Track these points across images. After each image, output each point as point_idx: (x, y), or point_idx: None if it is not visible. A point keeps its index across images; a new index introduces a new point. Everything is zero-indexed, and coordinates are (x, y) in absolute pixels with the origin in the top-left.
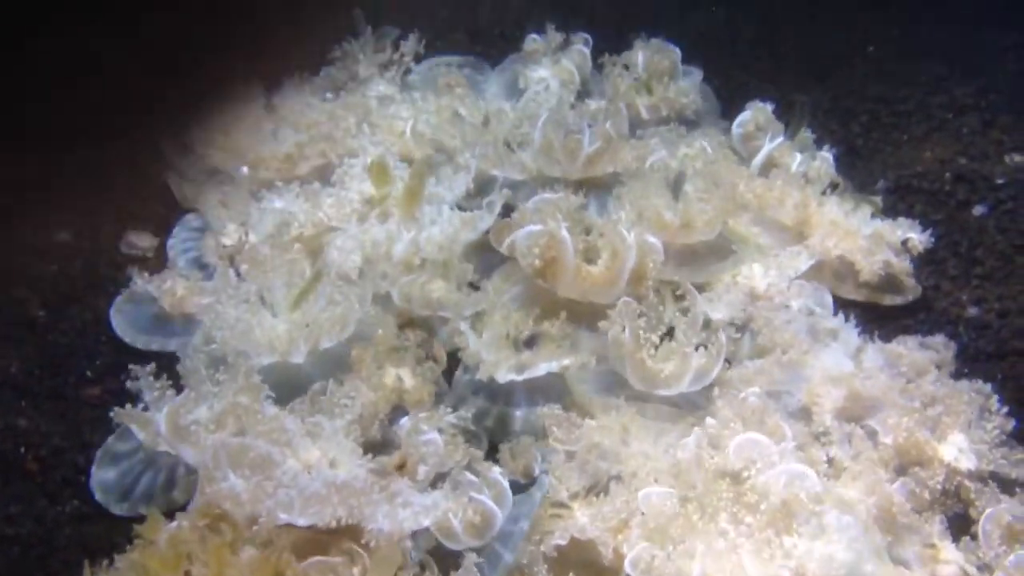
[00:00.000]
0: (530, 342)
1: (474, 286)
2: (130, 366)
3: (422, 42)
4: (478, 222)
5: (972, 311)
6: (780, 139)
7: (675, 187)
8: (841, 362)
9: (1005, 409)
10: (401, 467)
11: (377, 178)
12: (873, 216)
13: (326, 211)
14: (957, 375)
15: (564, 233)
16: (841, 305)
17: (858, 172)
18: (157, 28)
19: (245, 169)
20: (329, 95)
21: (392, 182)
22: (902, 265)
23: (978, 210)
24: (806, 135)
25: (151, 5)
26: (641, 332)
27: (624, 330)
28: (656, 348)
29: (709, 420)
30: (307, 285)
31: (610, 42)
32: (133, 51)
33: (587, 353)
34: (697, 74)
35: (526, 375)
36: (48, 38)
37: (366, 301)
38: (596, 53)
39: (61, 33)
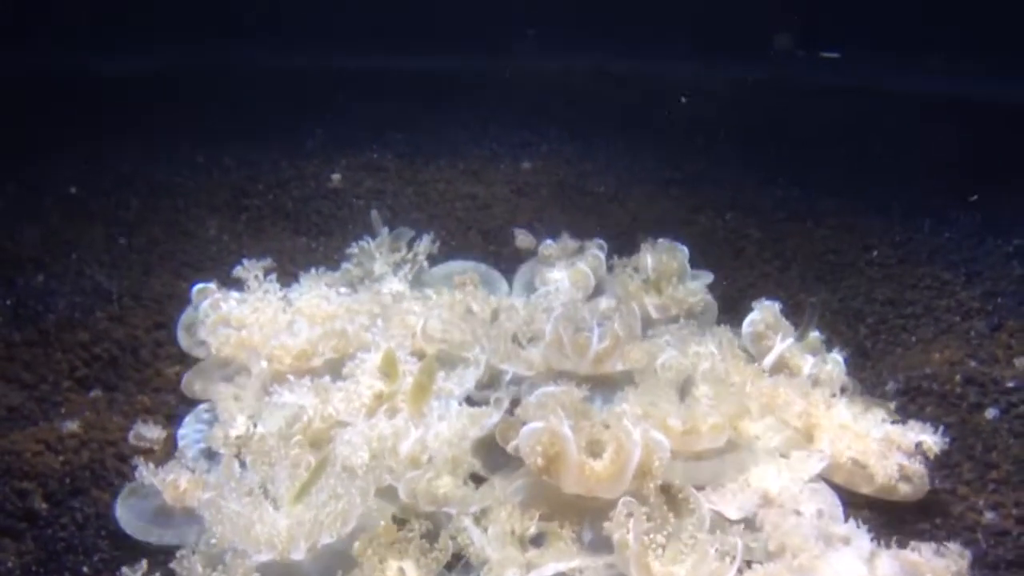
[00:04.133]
0: (537, 540)
1: (478, 478)
2: (122, 568)
3: (436, 243)
4: (485, 419)
5: (989, 517)
6: (790, 340)
7: (684, 389)
8: (854, 567)
9: None
10: None
11: (387, 370)
12: (884, 420)
13: (336, 405)
14: None
15: (566, 430)
16: (853, 508)
17: (867, 373)
18: None
19: (264, 363)
20: (344, 290)
21: (401, 376)
22: (915, 468)
23: (990, 413)
24: (815, 337)
25: None
26: (646, 535)
27: (628, 533)
28: (663, 549)
29: None
30: (311, 477)
31: (620, 241)
32: None
33: (594, 552)
34: (707, 276)
35: None
36: None
37: (368, 495)
38: (607, 254)
39: None
